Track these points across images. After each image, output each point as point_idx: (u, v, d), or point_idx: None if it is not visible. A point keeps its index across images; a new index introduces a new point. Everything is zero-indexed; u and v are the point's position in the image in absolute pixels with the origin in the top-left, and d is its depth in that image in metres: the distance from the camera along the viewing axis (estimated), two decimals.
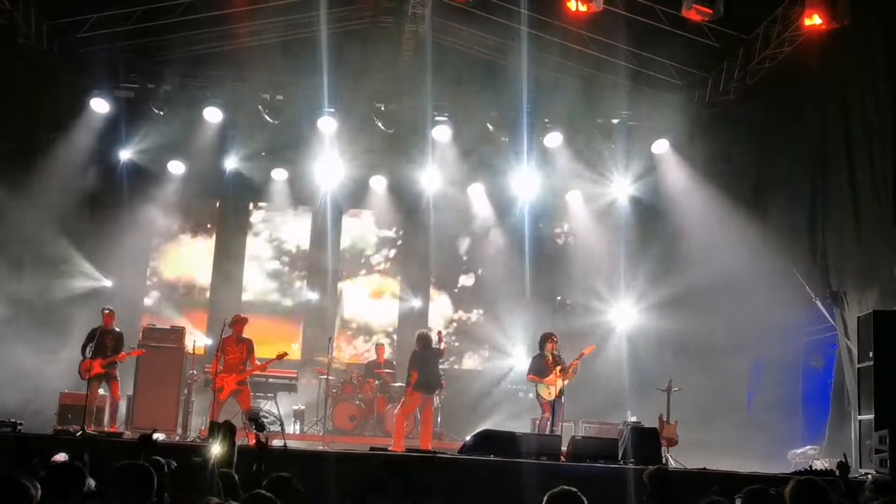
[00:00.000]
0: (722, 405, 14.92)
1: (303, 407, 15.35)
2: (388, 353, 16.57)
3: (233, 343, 12.94)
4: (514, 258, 18.32)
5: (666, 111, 16.33)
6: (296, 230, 18.61)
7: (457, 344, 18.38)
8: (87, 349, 12.87)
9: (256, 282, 18.18)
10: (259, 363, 13.04)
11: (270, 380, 14.62)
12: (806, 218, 14.04)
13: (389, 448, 12.07)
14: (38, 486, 4.24)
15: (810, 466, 11.02)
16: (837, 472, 6.93)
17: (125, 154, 16.75)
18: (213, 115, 16.23)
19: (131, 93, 16.25)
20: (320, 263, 18.26)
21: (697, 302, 15.49)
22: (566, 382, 12.93)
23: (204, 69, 16.11)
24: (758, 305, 14.37)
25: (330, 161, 17.36)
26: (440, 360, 13.75)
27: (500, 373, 17.79)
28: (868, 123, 12.33)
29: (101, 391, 13.07)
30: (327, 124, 16.52)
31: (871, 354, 10.79)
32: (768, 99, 15.06)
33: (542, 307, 18.25)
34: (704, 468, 10.29)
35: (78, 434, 10.38)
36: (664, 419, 12.82)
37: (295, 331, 18.07)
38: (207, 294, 17.76)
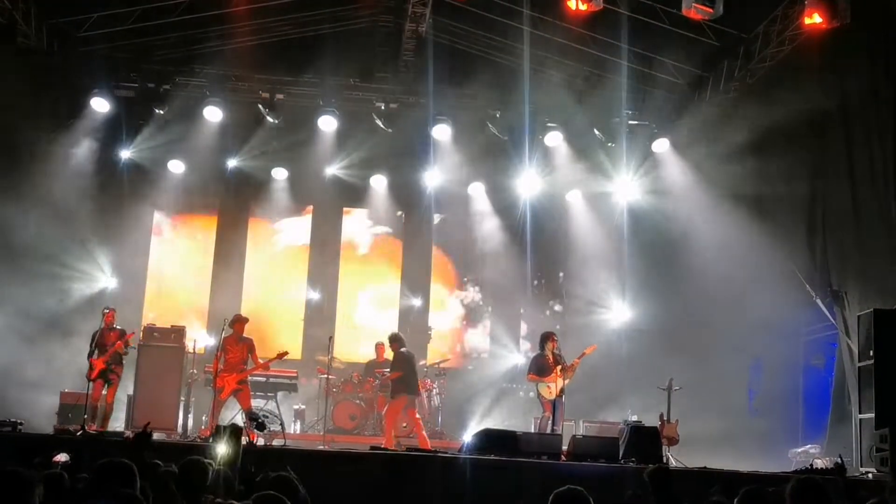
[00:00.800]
0: (722, 404, 14.93)
1: (303, 406, 15.35)
2: (388, 352, 16.54)
3: (233, 342, 12.94)
4: (514, 257, 18.34)
5: (666, 110, 16.34)
6: (296, 229, 18.60)
7: (457, 343, 18.37)
8: (94, 352, 12.78)
9: (257, 280, 18.16)
10: (260, 362, 13.06)
11: (271, 379, 14.61)
12: (806, 217, 14.04)
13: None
14: (40, 480, 4.24)
15: (811, 465, 11.03)
16: (836, 473, 6.92)
17: (125, 153, 16.77)
18: (213, 114, 16.22)
19: (131, 92, 16.23)
20: (320, 262, 18.28)
21: (698, 301, 15.50)
22: (566, 382, 12.93)
23: (204, 68, 16.09)
24: (758, 304, 14.38)
25: (330, 160, 17.38)
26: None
27: (500, 371, 17.81)
28: (868, 122, 12.33)
29: (104, 391, 12.98)
30: (327, 123, 16.51)
31: (871, 353, 10.80)
32: (768, 98, 15.05)
33: (542, 306, 18.27)
34: (705, 467, 10.30)
35: (78, 434, 10.38)
36: (665, 418, 12.84)
37: (295, 330, 18.07)
38: (208, 293, 17.74)
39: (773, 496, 5.26)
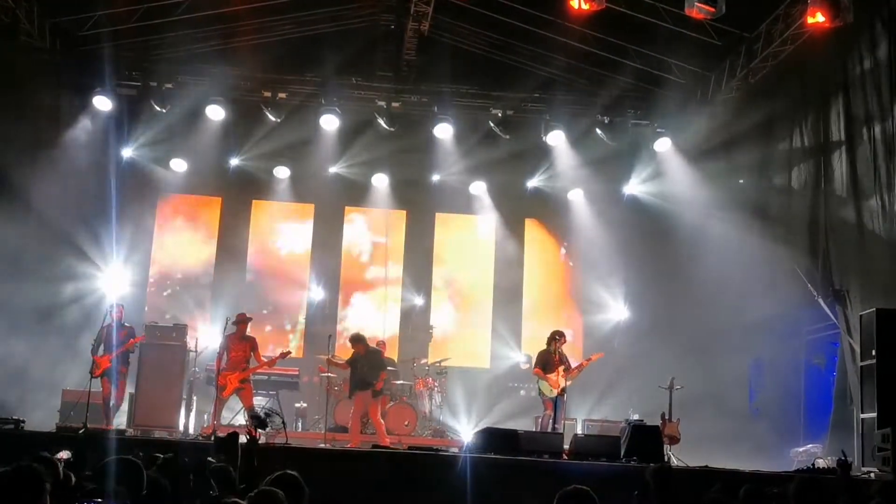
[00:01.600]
0: (724, 403, 14.93)
1: (304, 405, 15.35)
2: (388, 351, 16.54)
3: (236, 341, 12.97)
4: (516, 256, 18.35)
5: (668, 109, 16.33)
6: (297, 227, 18.62)
7: (459, 342, 18.38)
8: (99, 348, 12.78)
9: (258, 279, 18.17)
10: (262, 361, 13.09)
11: (272, 378, 14.61)
12: (808, 216, 14.02)
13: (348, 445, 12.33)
14: (50, 474, 4.25)
15: (813, 464, 11.04)
16: (838, 471, 6.92)
17: (127, 152, 16.80)
18: (215, 112, 16.23)
19: (133, 91, 16.27)
20: (322, 261, 18.28)
21: (700, 300, 15.50)
22: (569, 383, 12.97)
23: (206, 67, 16.10)
24: (760, 303, 14.38)
25: (331, 158, 17.39)
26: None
27: (501, 370, 17.81)
28: (870, 121, 12.32)
29: (112, 389, 12.93)
30: (329, 122, 16.52)
31: (873, 352, 10.77)
32: (771, 97, 15.04)
33: (544, 305, 18.27)
34: (706, 466, 10.30)
35: (80, 431, 10.38)
36: (666, 417, 12.83)
37: (297, 328, 18.08)
38: (210, 292, 17.75)
39: (776, 496, 5.28)
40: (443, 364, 16.12)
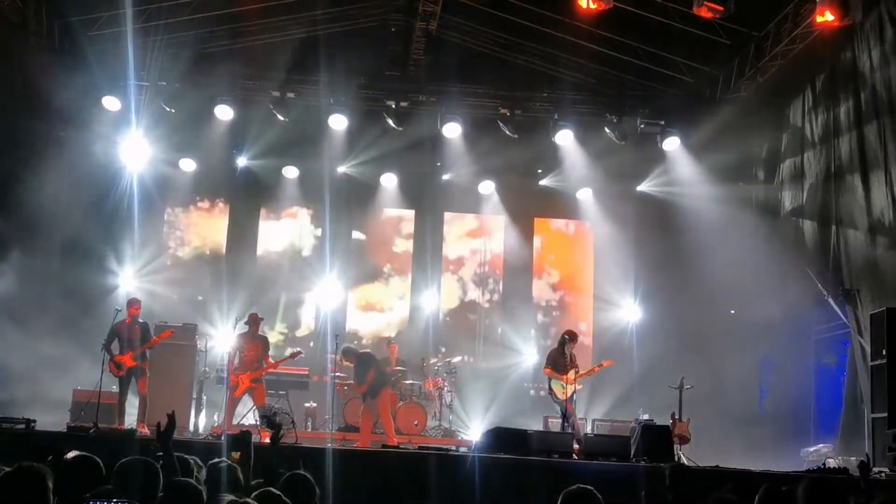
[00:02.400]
0: (734, 403, 14.92)
1: (314, 404, 15.37)
2: (399, 351, 16.54)
3: (248, 341, 13.00)
4: (525, 255, 18.34)
5: (677, 108, 16.29)
6: (305, 226, 18.63)
7: (467, 341, 18.38)
8: (113, 345, 12.69)
9: (268, 278, 18.18)
10: (272, 361, 13.12)
11: (283, 377, 14.63)
12: (818, 215, 13.98)
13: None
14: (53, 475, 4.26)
15: (823, 464, 11.01)
16: (859, 472, 6.89)
17: (136, 152, 16.80)
18: (223, 112, 16.25)
19: (142, 90, 16.28)
20: (331, 259, 18.28)
21: (709, 299, 15.48)
22: (579, 387, 13.01)
23: (215, 67, 16.10)
24: (770, 303, 14.34)
25: (339, 158, 17.41)
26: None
27: (510, 369, 17.80)
28: (881, 120, 12.28)
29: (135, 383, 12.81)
30: (338, 122, 16.52)
31: (884, 352, 10.75)
32: (780, 96, 15.01)
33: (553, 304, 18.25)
34: (717, 466, 10.27)
35: (91, 431, 10.41)
36: (676, 417, 12.81)
37: (307, 328, 18.10)
38: (219, 291, 17.76)
39: (785, 495, 5.26)
40: (453, 363, 16.14)
